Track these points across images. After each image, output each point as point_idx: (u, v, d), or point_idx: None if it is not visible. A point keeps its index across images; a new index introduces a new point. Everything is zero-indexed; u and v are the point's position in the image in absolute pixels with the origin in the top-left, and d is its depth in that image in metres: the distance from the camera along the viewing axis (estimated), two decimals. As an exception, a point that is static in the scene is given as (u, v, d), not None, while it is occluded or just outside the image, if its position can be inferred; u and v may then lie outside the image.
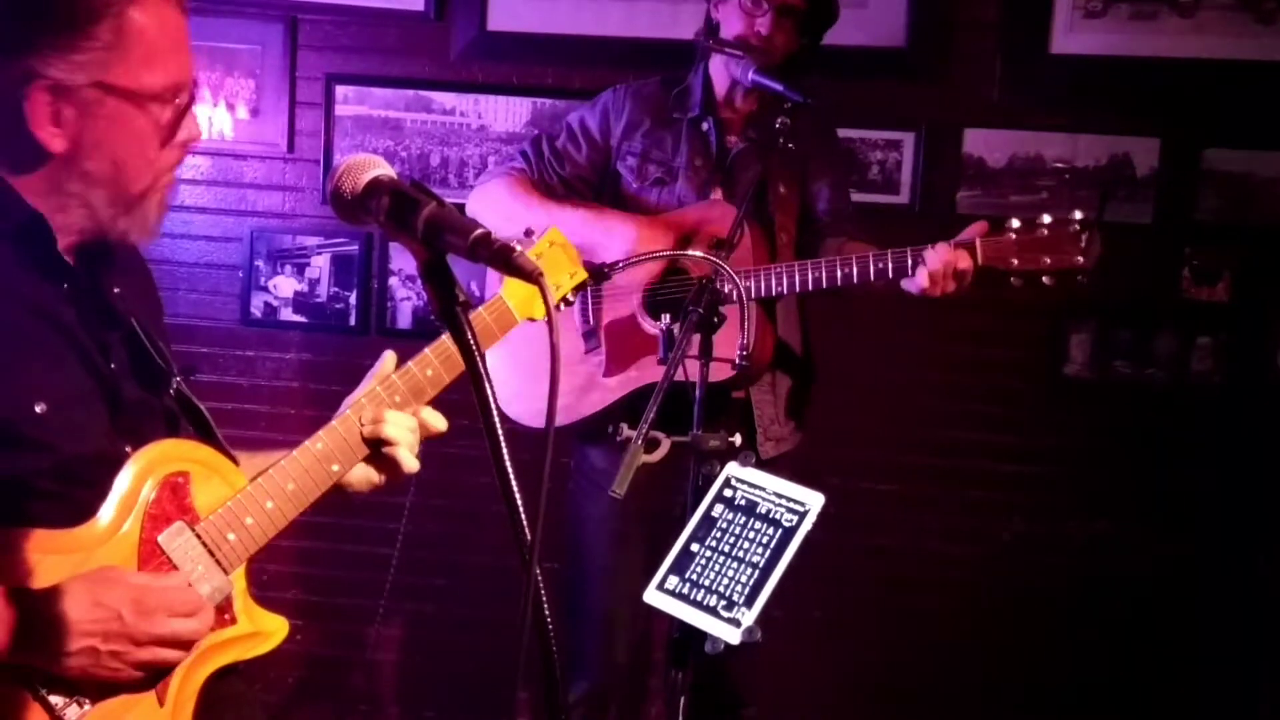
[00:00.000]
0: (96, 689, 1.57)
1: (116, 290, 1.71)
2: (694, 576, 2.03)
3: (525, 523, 1.35)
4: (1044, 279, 2.67)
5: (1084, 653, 3.74)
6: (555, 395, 1.33)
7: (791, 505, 2.07)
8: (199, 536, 1.68)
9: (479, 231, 1.31)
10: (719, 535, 2.08)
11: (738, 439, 2.28)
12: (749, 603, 1.96)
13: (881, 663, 3.76)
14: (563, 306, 2.19)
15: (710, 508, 2.13)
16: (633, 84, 3.08)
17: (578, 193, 3.01)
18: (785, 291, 2.75)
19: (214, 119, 3.78)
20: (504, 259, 1.30)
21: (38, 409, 1.55)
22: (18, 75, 1.53)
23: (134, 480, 1.63)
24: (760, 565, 2.01)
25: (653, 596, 2.04)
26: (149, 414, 1.72)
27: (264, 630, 1.76)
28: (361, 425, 1.83)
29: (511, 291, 2.05)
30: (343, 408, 1.88)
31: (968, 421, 3.75)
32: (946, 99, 3.65)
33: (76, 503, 1.60)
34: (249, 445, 1.88)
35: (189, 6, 1.64)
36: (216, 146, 3.81)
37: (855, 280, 2.72)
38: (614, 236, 2.83)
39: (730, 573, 2.02)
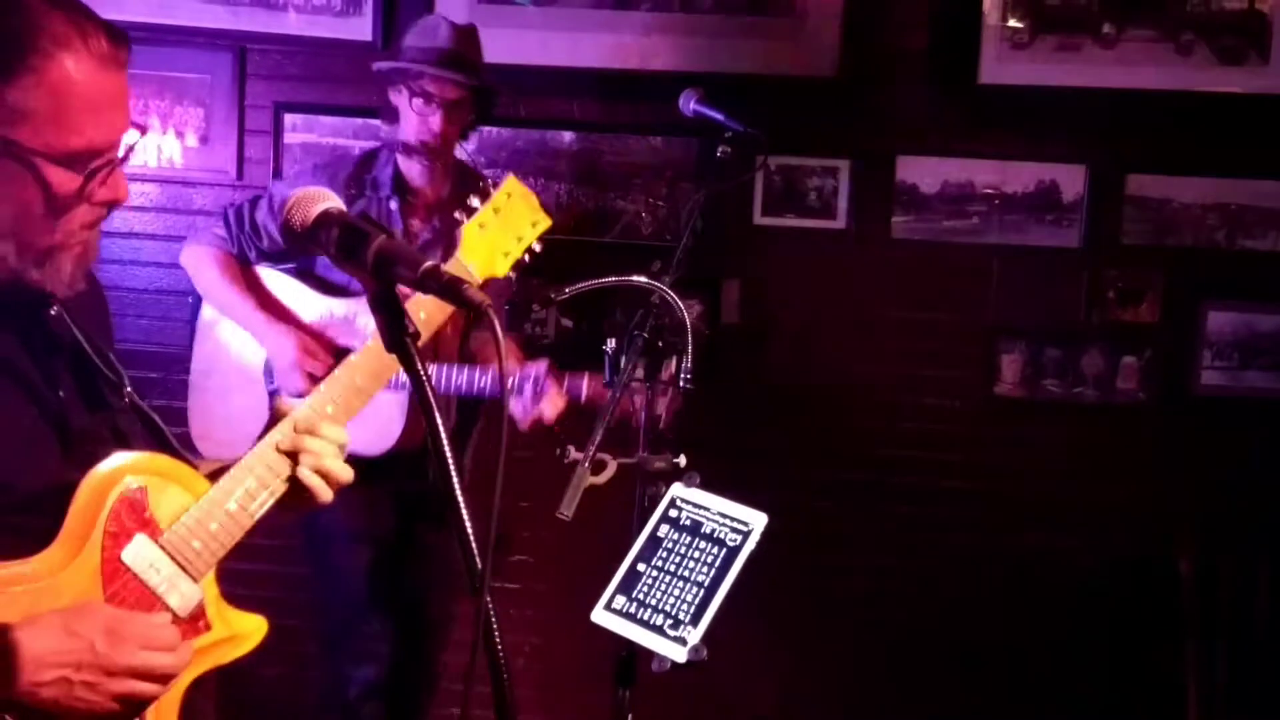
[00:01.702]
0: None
1: (54, 311, 1.65)
2: (641, 596, 2.05)
3: (476, 550, 1.35)
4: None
5: (1022, 660, 3.80)
6: (507, 420, 1.39)
7: (735, 525, 2.08)
8: (163, 548, 1.64)
9: (428, 264, 1.31)
10: (665, 555, 2.09)
11: (683, 460, 2.30)
12: (695, 621, 1.98)
13: (821, 678, 3.79)
14: (527, 259, 2.12)
15: (656, 528, 2.14)
16: (331, 165, 3.30)
17: (273, 262, 3.16)
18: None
19: (163, 147, 3.78)
20: (454, 292, 1.31)
21: None
22: None
23: (89, 501, 1.60)
24: (705, 584, 2.02)
25: (600, 616, 2.05)
26: (99, 439, 1.68)
27: (241, 632, 1.74)
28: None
29: (471, 249, 2.00)
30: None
31: (903, 439, 3.81)
32: (879, 127, 3.71)
33: (34, 533, 1.57)
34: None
35: (125, 59, 1.56)
36: (166, 174, 3.81)
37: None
38: (277, 351, 3.05)
39: (676, 592, 2.03)
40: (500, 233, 2.03)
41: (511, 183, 2.08)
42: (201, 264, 3.15)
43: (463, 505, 1.37)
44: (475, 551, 1.36)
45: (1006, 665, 3.81)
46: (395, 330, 1.36)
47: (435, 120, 3.02)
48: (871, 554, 3.84)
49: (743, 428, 3.72)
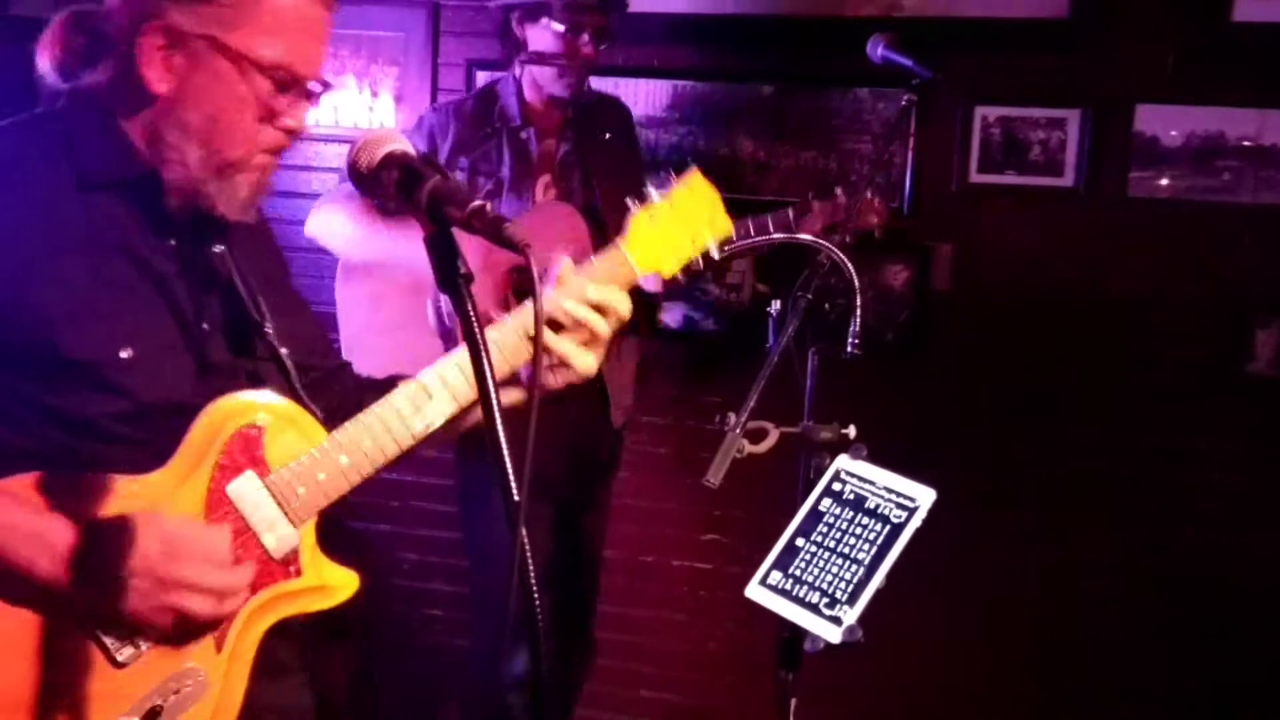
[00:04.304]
0: (148, 633, 1.60)
1: (218, 249, 1.75)
2: (797, 572, 2.00)
3: (515, 487, 1.36)
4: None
5: (1264, 680, 3.50)
6: (539, 364, 1.39)
7: (901, 500, 2.02)
8: (268, 488, 1.70)
9: (476, 203, 1.37)
10: (825, 530, 2.04)
11: (852, 431, 2.23)
12: (852, 601, 1.91)
13: (1030, 681, 3.60)
14: (700, 264, 1.97)
15: (818, 501, 2.08)
16: (451, 102, 3.27)
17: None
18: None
19: (372, 107, 3.86)
20: (495, 230, 1.36)
21: (123, 354, 1.60)
22: (139, 12, 1.60)
23: (207, 429, 1.66)
24: (866, 562, 1.95)
25: (754, 591, 2.00)
26: (233, 376, 1.75)
27: (330, 584, 1.77)
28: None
29: (636, 238, 1.88)
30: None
31: (1138, 423, 3.54)
32: (1115, 72, 3.44)
33: (149, 449, 1.63)
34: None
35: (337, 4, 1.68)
36: (358, 135, 3.85)
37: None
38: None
39: (835, 569, 1.97)
40: (673, 228, 1.91)
41: (695, 177, 1.94)
42: (340, 217, 3.03)
43: (504, 445, 1.37)
44: (512, 481, 1.36)
45: (1246, 684, 3.51)
46: (448, 271, 1.39)
47: (588, 48, 3.07)
48: (1095, 550, 3.57)
49: (944, 405, 3.58)
